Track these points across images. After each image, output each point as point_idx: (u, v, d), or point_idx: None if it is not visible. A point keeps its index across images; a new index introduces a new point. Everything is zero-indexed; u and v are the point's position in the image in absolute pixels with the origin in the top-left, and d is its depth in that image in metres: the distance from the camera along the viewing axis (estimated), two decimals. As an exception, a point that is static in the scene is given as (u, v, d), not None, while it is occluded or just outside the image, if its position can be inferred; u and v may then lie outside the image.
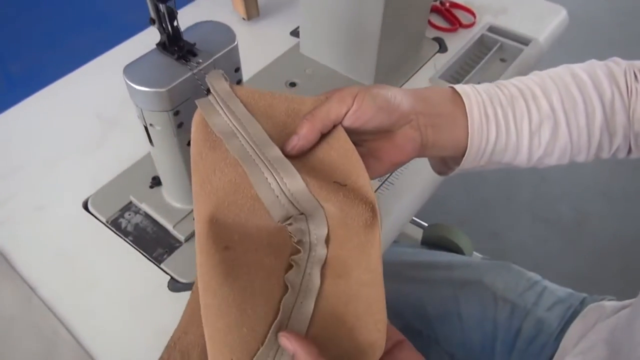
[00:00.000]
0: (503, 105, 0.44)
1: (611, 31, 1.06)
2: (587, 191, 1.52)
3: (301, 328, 0.35)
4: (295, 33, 0.81)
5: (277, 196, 0.36)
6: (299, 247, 0.38)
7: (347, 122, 0.41)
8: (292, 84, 0.73)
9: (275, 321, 0.34)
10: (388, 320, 0.36)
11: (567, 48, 1.02)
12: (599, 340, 0.54)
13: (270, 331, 0.33)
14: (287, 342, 0.33)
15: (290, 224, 0.37)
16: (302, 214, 0.37)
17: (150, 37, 0.79)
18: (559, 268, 1.35)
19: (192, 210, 0.57)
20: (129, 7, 0.81)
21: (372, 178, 0.40)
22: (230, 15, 0.84)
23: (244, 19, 0.83)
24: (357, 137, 0.42)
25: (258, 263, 0.36)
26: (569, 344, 0.60)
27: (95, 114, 0.70)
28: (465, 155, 0.44)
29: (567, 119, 0.44)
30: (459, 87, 0.45)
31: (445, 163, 0.49)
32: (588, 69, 0.46)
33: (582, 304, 0.65)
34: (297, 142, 0.39)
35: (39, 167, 0.64)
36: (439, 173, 0.52)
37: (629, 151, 0.46)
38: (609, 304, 0.62)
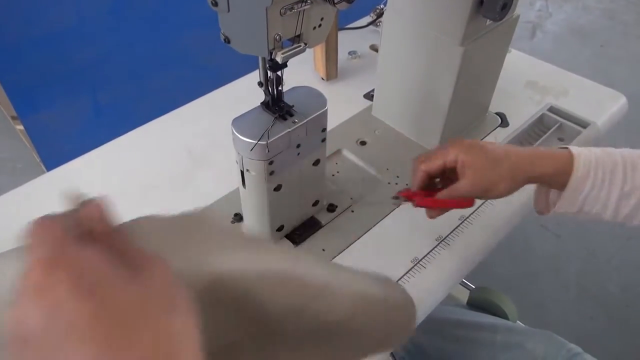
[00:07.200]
0: (604, 172, 0.52)
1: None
2: (638, 270, 1.50)
3: None
4: (368, 96, 0.89)
5: None
6: None
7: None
8: (363, 143, 0.80)
9: None
10: None
11: (627, 131, 1.06)
12: None
13: None
14: None
15: None
16: None
17: (235, 88, 0.89)
18: (602, 347, 1.33)
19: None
20: (225, 59, 0.92)
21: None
22: (311, 75, 0.93)
23: (323, 79, 0.92)
24: None
25: None
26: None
27: (186, 152, 0.79)
28: (561, 198, 0.53)
29: None
30: (574, 150, 0.54)
31: (546, 203, 0.58)
32: None
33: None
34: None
35: (135, 194, 0.73)
36: (539, 212, 0.59)
37: None
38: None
